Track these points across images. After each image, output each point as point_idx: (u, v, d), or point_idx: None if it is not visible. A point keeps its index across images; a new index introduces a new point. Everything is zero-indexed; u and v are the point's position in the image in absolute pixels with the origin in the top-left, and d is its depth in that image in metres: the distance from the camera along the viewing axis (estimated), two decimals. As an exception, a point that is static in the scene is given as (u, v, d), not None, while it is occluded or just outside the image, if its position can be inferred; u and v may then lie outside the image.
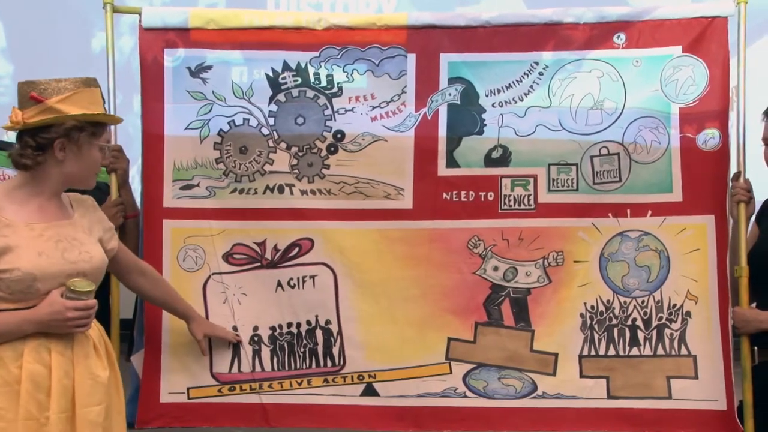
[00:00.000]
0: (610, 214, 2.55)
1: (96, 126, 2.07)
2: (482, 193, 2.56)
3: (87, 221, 2.12)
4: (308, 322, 2.57)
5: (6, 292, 1.94)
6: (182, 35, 2.59)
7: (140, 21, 2.60)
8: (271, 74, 2.59)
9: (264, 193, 2.58)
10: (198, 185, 2.57)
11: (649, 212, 2.54)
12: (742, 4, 2.49)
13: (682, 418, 2.49)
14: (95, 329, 2.09)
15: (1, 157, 3.05)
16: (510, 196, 2.56)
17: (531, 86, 2.57)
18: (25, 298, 1.96)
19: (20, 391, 1.92)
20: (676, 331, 2.52)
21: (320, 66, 2.58)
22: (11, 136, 2.98)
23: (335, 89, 2.59)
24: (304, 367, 2.57)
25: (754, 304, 2.46)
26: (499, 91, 2.58)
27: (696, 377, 2.50)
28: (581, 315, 2.55)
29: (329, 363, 2.57)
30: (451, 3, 3.51)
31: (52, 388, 1.95)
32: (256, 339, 2.57)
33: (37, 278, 1.94)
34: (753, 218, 2.53)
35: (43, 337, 1.96)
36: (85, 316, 1.96)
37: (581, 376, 2.53)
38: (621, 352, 2.54)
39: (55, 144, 2.01)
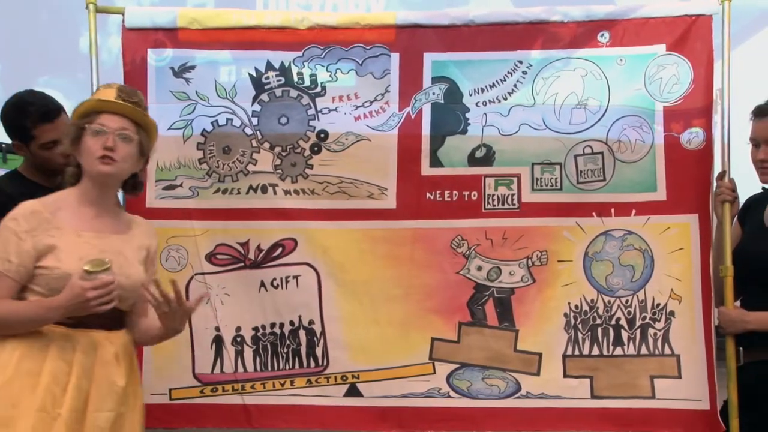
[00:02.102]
0: (594, 214, 2.54)
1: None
2: (466, 193, 2.55)
3: (137, 244, 2.18)
4: (291, 323, 2.56)
5: (45, 288, 2.03)
6: (170, 35, 2.58)
7: (123, 21, 2.58)
8: (254, 74, 2.58)
9: (247, 193, 2.57)
10: (181, 185, 2.56)
11: (633, 211, 2.53)
12: (726, 2, 2.48)
13: (665, 418, 2.49)
14: (121, 339, 2.12)
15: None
16: (494, 195, 2.55)
17: (515, 85, 2.56)
18: None
19: (40, 383, 1.98)
20: (659, 330, 2.52)
21: (304, 65, 2.57)
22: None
23: (319, 89, 2.58)
24: (287, 367, 2.56)
25: (738, 304, 2.44)
26: (482, 90, 2.57)
27: (679, 377, 2.50)
28: (565, 315, 2.54)
29: (312, 363, 2.56)
30: (439, 2, 3.49)
31: (69, 385, 1.99)
32: (238, 339, 2.56)
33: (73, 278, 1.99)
34: (736, 218, 2.51)
35: (69, 336, 2.02)
36: (105, 293, 1.98)
37: (565, 375, 2.52)
38: (605, 352, 2.53)
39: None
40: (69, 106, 2.53)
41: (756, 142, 2.40)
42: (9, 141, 2.62)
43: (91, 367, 2.03)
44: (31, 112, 2.45)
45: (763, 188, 2.49)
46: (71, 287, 1.98)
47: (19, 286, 2.06)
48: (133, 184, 2.23)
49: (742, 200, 2.52)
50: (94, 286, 1.97)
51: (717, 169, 2.50)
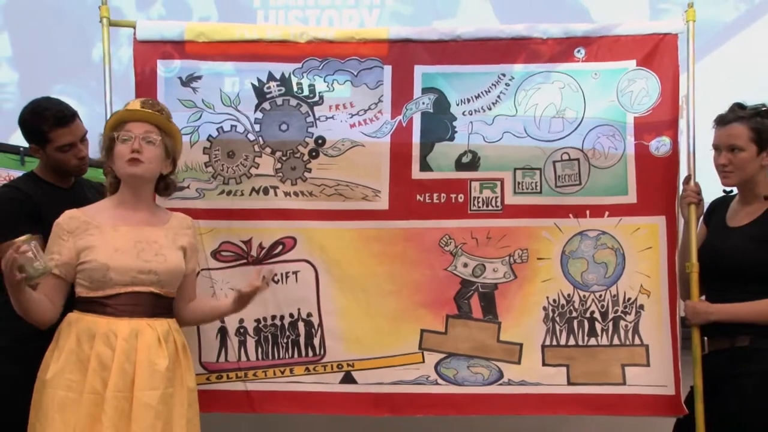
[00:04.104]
0: (570, 215, 2.60)
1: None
2: (453, 195, 2.61)
3: (174, 233, 2.29)
4: (291, 315, 2.61)
5: (87, 281, 2.17)
6: (178, 47, 2.63)
7: (135, 34, 2.63)
8: (256, 84, 2.63)
9: (250, 194, 2.61)
10: (188, 187, 2.60)
11: (607, 213, 2.59)
12: (691, 22, 2.57)
13: (634, 402, 2.55)
14: (165, 325, 2.21)
15: (5, 159, 3.10)
16: (479, 198, 2.61)
17: (498, 96, 2.63)
18: (102, 287, 2.16)
19: (89, 368, 2.10)
20: (630, 322, 2.58)
21: (303, 76, 2.63)
22: (14, 140, 3.04)
23: (317, 98, 2.63)
24: (287, 356, 2.60)
25: (703, 297, 2.52)
26: (469, 101, 2.63)
27: (648, 365, 2.56)
28: (544, 308, 2.60)
29: (310, 353, 2.60)
30: (428, 17, 3.55)
31: (112, 368, 2.09)
32: (241, 330, 2.60)
33: (110, 268, 2.14)
34: (701, 219, 2.58)
35: (113, 325, 2.14)
36: (12, 253, 1.99)
37: (544, 364, 2.58)
38: (580, 342, 2.59)
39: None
40: (82, 112, 2.60)
41: (718, 148, 2.47)
42: (27, 144, 2.65)
43: (134, 351, 2.13)
44: (48, 117, 2.50)
45: (724, 191, 2.56)
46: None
47: (63, 283, 2.20)
48: (165, 185, 2.35)
49: (707, 203, 2.59)
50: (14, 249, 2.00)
51: (684, 173, 2.57)
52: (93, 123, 2.59)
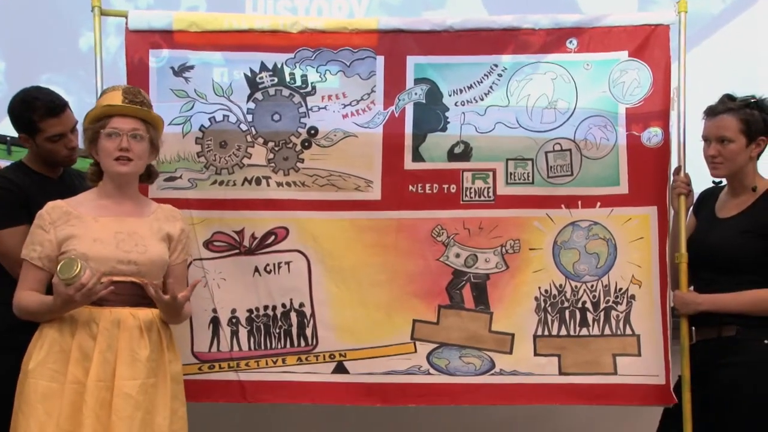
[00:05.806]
0: (562, 206, 2.61)
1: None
2: (445, 186, 2.61)
3: (159, 225, 2.27)
4: (283, 305, 2.60)
5: None
6: (166, 37, 2.62)
7: (126, 24, 2.61)
8: (249, 74, 2.62)
9: (242, 184, 2.61)
10: (181, 177, 2.59)
11: (598, 204, 2.60)
12: (683, 13, 2.58)
13: (626, 392, 2.56)
14: (148, 314, 2.18)
15: (-5, 149, 3.07)
16: (471, 188, 2.61)
17: (491, 87, 2.62)
18: None
19: (71, 358, 2.09)
20: (621, 312, 2.59)
21: (295, 66, 2.62)
22: (1, 129, 3.01)
23: (309, 88, 2.62)
24: (279, 346, 2.60)
25: (692, 288, 2.53)
26: (461, 91, 2.63)
27: (639, 355, 2.57)
28: (536, 298, 2.60)
29: (302, 343, 2.60)
30: (417, 8, 3.54)
31: (93, 357, 2.08)
32: (234, 321, 2.60)
33: (89, 258, 2.11)
34: (691, 209, 2.60)
35: (95, 314, 2.12)
36: (89, 289, 2.05)
37: (535, 354, 2.58)
38: (572, 332, 2.59)
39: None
40: (70, 101, 2.57)
41: (707, 139, 2.47)
42: (14, 134, 2.62)
43: (115, 341, 2.12)
44: (38, 107, 2.47)
45: (713, 182, 2.57)
46: (59, 294, 2.07)
47: (45, 275, 2.19)
48: (148, 174, 2.34)
49: (696, 193, 2.59)
50: (76, 289, 2.05)
51: (674, 164, 2.58)
52: (81, 113, 2.52)
